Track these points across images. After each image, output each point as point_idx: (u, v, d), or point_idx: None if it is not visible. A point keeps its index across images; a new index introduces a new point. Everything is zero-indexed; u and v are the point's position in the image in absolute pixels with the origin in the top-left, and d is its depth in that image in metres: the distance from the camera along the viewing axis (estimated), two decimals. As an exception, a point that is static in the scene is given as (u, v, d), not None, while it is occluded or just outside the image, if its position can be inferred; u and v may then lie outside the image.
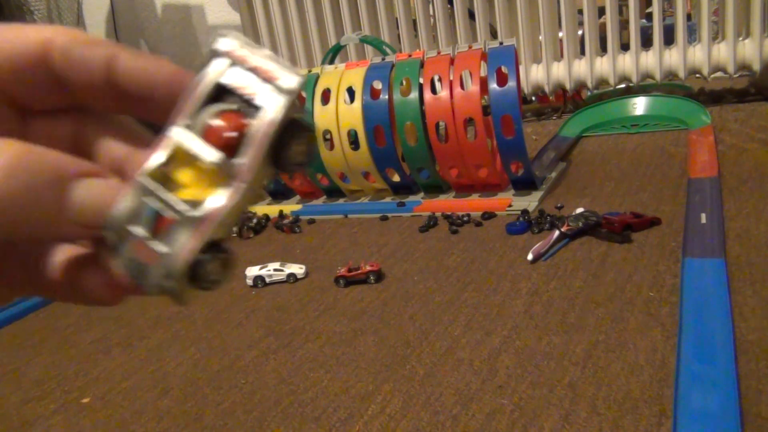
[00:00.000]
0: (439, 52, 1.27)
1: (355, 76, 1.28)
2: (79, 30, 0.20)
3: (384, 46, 1.57)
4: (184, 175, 0.19)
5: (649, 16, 1.77)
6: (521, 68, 1.77)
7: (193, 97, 0.19)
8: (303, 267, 0.99)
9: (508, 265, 0.89)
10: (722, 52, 1.59)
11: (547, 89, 1.79)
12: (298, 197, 1.47)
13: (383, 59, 1.32)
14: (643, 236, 0.91)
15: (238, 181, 0.18)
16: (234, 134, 0.18)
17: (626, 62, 1.68)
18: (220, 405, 0.66)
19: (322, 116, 1.28)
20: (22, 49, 0.19)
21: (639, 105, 1.63)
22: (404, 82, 1.24)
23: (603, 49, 1.72)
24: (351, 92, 1.28)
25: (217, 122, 0.19)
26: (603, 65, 1.71)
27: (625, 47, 1.70)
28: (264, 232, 1.28)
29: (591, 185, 1.22)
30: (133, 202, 0.19)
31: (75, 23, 2.25)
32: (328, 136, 1.29)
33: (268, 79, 0.19)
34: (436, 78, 1.21)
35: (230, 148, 0.18)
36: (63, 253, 0.21)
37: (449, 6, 1.82)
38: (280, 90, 0.18)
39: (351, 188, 1.40)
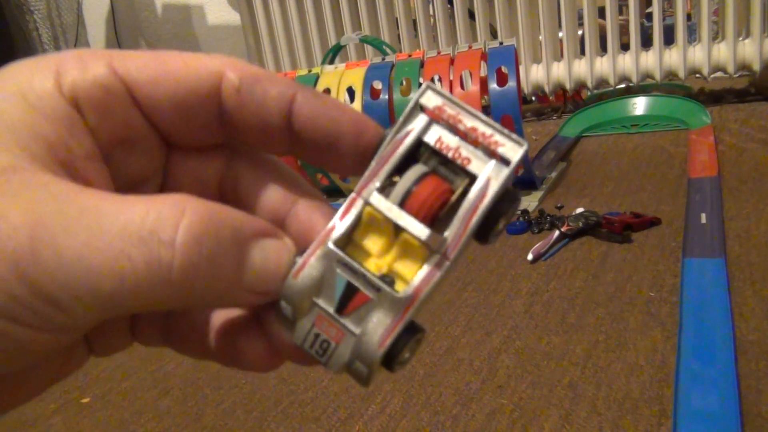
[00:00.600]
0: (439, 52, 1.27)
1: (355, 76, 1.28)
2: (248, 63, 0.17)
3: (384, 46, 1.57)
4: (372, 243, 0.17)
5: (649, 16, 1.77)
6: (521, 68, 1.77)
7: (391, 155, 0.17)
8: None
9: (508, 265, 0.89)
10: (722, 52, 1.59)
11: (547, 89, 1.79)
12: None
13: (383, 59, 1.32)
14: (643, 236, 0.91)
15: (442, 257, 0.16)
16: (439, 204, 0.16)
17: (626, 62, 1.68)
18: (220, 405, 0.66)
19: (322, 116, 1.28)
20: (191, 84, 0.17)
21: (639, 105, 1.63)
22: (404, 82, 1.24)
23: (603, 48, 1.72)
24: (351, 92, 1.28)
25: (422, 189, 0.16)
26: (603, 65, 1.70)
27: (625, 47, 1.70)
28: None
29: (591, 185, 1.22)
30: (319, 272, 0.16)
31: (75, 23, 2.25)
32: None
33: (486, 145, 0.16)
34: (436, 78, 1.21)
35: (432, 217, 0.16)
36: (219, 316, 0.19)
37: (449, 6, 1.82)
38: (502, 159, 0.16)
39: (351, 188, 1.40)
